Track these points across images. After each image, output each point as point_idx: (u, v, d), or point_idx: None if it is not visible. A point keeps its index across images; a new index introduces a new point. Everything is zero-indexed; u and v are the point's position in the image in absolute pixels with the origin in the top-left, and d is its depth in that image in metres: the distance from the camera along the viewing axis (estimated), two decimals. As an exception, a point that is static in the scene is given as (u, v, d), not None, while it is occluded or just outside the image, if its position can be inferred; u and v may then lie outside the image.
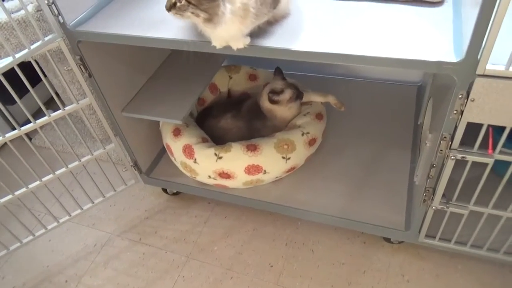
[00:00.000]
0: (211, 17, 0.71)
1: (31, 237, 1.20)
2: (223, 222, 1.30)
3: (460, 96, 0.69)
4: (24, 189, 1.09)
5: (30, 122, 1.02)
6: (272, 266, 1.17)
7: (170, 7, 0.73)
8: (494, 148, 0.75)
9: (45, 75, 1.00)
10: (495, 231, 0.90)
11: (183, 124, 1.18)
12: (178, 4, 0.71)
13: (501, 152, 0.75)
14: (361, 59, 0.73)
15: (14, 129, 1.01)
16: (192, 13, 0.71)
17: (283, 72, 1.23)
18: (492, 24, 0.59)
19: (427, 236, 1.01)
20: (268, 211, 1.27)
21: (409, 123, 1.32)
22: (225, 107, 1.28)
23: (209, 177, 1.15)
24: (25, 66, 0.92)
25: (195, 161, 1.13)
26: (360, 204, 1.12)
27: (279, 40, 0.79)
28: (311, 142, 1.16)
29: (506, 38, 0.60)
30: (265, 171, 1.12)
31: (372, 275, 1.11)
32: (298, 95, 1.18)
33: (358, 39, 0.75)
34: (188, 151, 1.14)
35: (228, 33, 0.74)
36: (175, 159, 1.21)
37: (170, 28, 0.87)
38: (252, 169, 1.11)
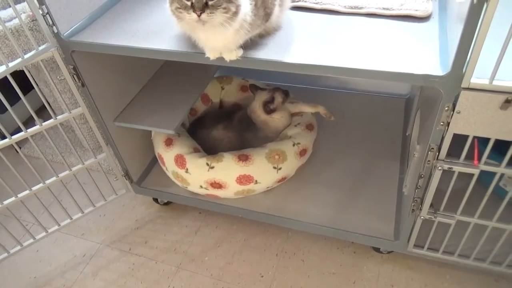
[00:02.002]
0: (238, 10, 0.70)
1: (18, 247, 1.19)
2: (214, 232, 1.30)
3: (446, 108, 0.71)
4: (13, 198, 1.08)
5: (19, 131, 1.01)
6: (262, 276, 1.17)
7: (203, 8, 0.68)
8: (479, 159, 0.77)
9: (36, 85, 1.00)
10: (481, 240, 0.92)
11: (175, 134, 1.19)
12: (211, 2, 0.68)
13: (486, 163, 0.77)
14: (351, 71, 0.75)
15: (3, 138, 1.01)
16: (224, 8, 0.68)
17: (273, 83, 1.26)
18: (476, 40, 0.61)
19: (415, 246, 1.02)
20: (259, 221, 1.27)
21: (398, 135, 1.34)
22: (217, 118, 1.29)
23: (201, 187, 1.15)
24: (14, 75, 0.93)
25: (186, 171, 1.13)
26: (350, 214, 1.13)
27: (271, 52, 0.80)
28: (302, 153, 1.18)
29: (490, 53, 0.62)
30: (256, 181, 1.12)
31: (362, 284, 1.12)
32: (286, 93, 1.22)
33: (348, 52, 0.77)
34: (180, 161, 1.14)
35: (222, 42, 0.76)
36: (166, 168, 1.21)
37: (164, 39, 0.88)
38: (244, 179, 1.11)
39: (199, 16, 0.69)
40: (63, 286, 1.22)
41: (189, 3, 0.69)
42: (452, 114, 0.71)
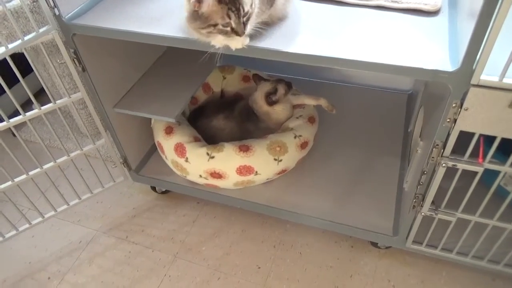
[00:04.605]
0: (253, 9, 0.73)
1: (14, 232, 1.18)
2: (211, 223, 1.30)
3: (454, 105, 0.70)
4: (9, 183, 1.07)
5: (17, 115, 0.99)
6: (259, 267, 1.17)
7: (244, 28, 0.72)
8: (484, 157, 0.77)
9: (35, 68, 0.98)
10: (481, 239, 0.92)
11: (176, 122, 1.17)
12: (245, 18, 0.71)
13: (490, 162, 0.77)
14: (357, 64, 0.73)
15: (1, 121, 0.99)
16: (250, 14, 0.72)
17: (275, 74, 1.25)
18: (488, 36, 0.60)
19: (414, 242, 1.02)
20: (257, 213, 1.27)
21: (399, 130, 1.34)
22: (218, 107, 1.28)
23: (200, 176, 1.14)
24: (13, 58, 0.91)
25: (186, 160, 1.12)
26: (349, 208, 1.13)
27: (277, 41, 0.79)
28: (303, 145, 1.17)
29: (501, 49, 0.61)
30: (256, 172, 1.12)
31: (359, 279, 1.12)
32: (289, 85, 1.21)
33: (355, 44, 0.76)
34: (180, 149, 1.13)
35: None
36: (166, 157, 1.20)
37: (167, 24, 0.86)
38: (244, 170, 1.11)
39: (241, 36, 0.73)
40: (59, 272, 1.22)
41: (228, 29, 0.71)
42: (460, 111, 0.70)
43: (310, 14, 0.86)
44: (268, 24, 0.83)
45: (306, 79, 1.57)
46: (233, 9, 0.69)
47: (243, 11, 0.69)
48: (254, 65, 1.43)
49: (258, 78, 1.25)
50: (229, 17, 0.70)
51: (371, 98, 1.48)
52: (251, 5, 0.71)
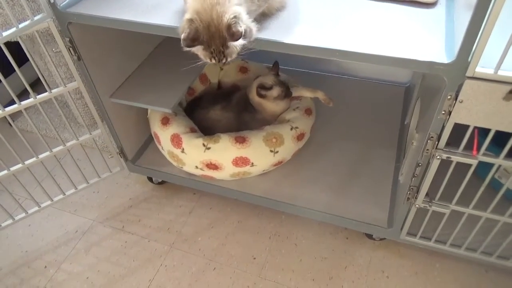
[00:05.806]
0: (250, 31, 0.75)
1: (10, 221, 1.18)
2: (207, 213, 1.30)
3: (449, 97, 0.70)
4: (5, 172, 1.07)
5: (12, 104, 0.99)
6: (255, 258, 1.18)
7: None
8: (478, 149, 0.77)
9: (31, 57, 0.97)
10: (474, 231, 0.93)
11: (172, 113, 1.17)
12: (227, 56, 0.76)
13: (484, 154, 0.77)
14: (353, 55, 0.73)
15: (-4, 110, 0.98)
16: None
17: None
18: (484, 28, 0.60)
19: (408, 233, 1.03)
20: (253, 204, 1.27)
21: (396, 123, 1.34)
22: (215, 98, 1.27)
23: (196, 167, 1.14)
24: (9, 47, 0.90)
25: (182, 151, 1.12)
26: (344, 200, 1.13)
27: (274, 32, 0.79)
28: (300, 137, 1.17)
29: (496, 42, 0.61)
30: (252, 163, 1.12)
31: (353, 270, 1.13)
32: (286, 94, 1.18)
33: (351, 35, 0.76)
34: (176, 140, 1.13)
35: None
36: (162, 148, 1.20)
37: (164, 14, 0.86)
38: (240, 161, 1.11)
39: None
40: (55, 261, 1.22)
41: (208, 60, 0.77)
42: (455, 103, 0.70)
43: (307, 5, 0.86)
44: (266, 15, 0.82)
45: (304, 71, 1.57)
46: (217, 58, 0.76)
47: (226, 60, 0.76)
48: (252, 56, 1.41)
49: (274, 68, 1.22)
50: (210, 60, 0.77)
51: (368, 90, 1.48)
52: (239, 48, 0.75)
